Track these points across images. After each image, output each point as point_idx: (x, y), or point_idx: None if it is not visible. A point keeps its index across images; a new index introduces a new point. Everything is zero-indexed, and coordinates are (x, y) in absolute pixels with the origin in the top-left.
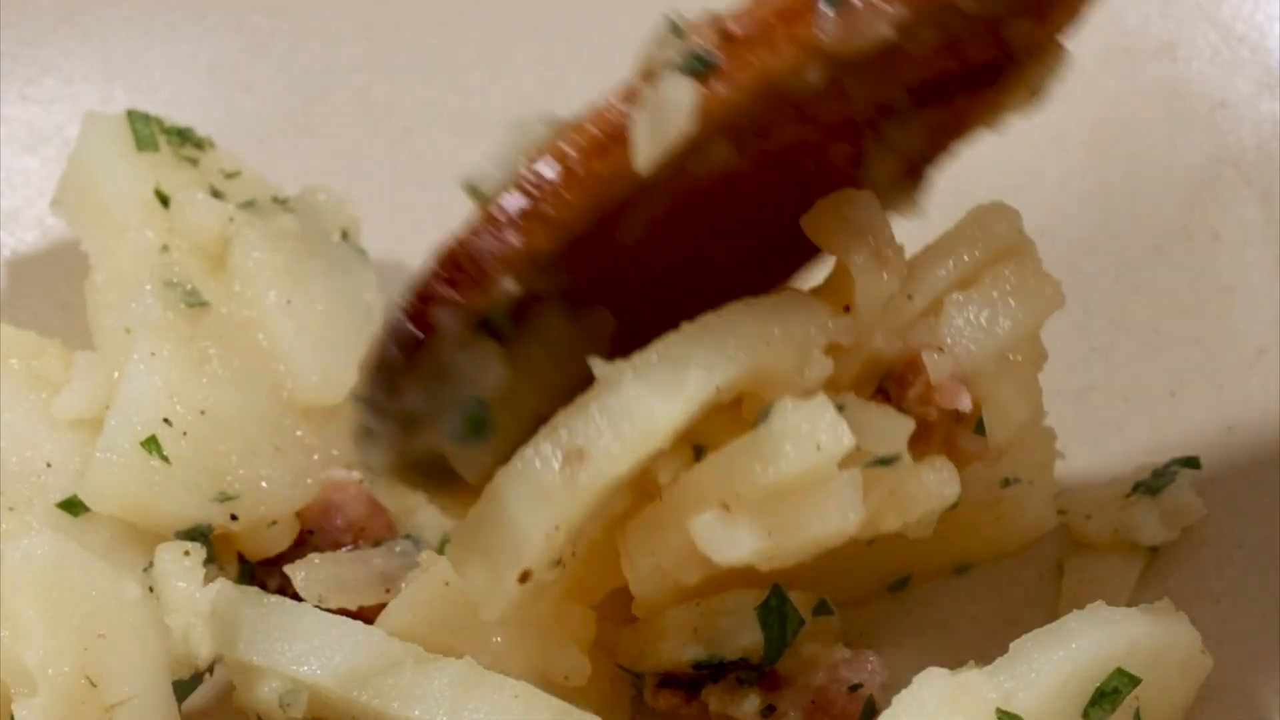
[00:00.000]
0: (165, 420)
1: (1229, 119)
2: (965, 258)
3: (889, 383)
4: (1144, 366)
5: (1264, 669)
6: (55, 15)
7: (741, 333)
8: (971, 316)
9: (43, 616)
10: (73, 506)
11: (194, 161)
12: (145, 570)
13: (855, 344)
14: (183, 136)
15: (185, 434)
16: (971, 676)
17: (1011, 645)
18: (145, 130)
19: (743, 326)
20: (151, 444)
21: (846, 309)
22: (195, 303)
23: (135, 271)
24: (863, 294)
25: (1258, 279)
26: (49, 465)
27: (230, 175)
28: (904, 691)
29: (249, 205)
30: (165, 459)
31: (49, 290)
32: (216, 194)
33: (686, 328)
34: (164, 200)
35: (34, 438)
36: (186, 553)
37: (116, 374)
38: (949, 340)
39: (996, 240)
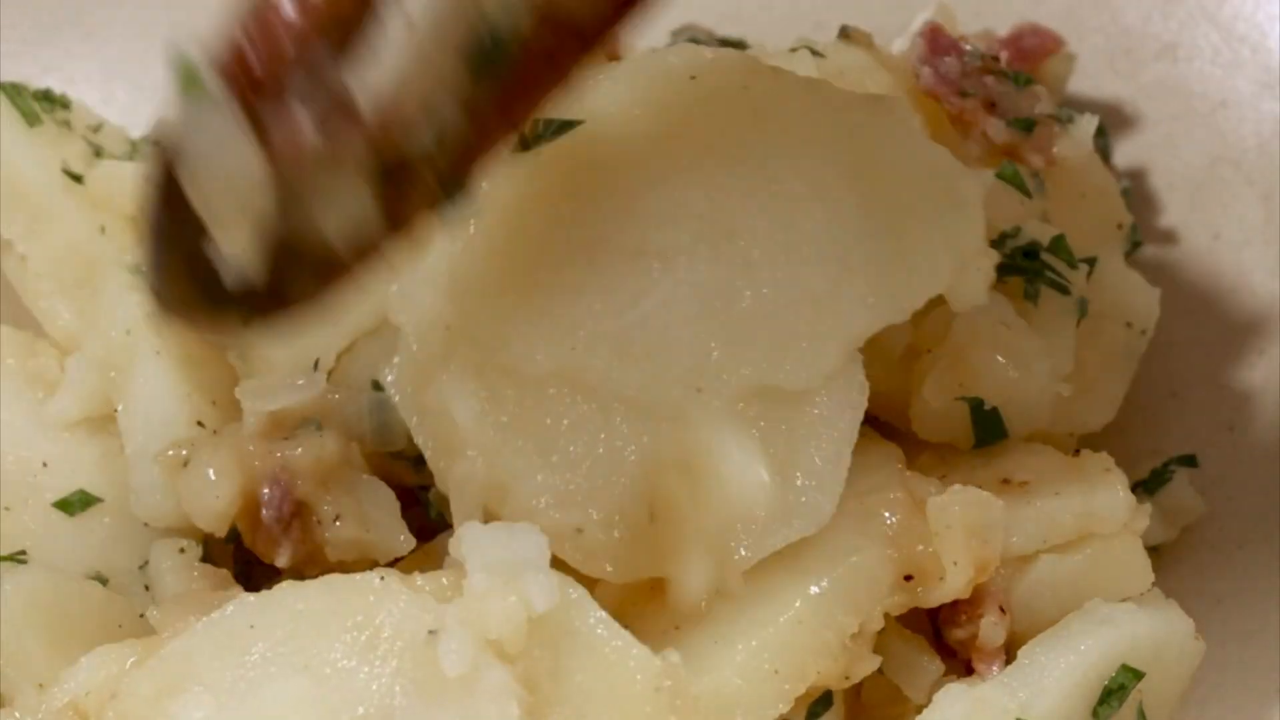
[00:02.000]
0: (199, 423)
1: (1230, 119)
2: (1069, 520)
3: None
4: (1144, 366)
5: (1264, 668)
6: (55, 15)
7: (796, 649)
8: (1050, 589)
9: (46, 649)
10: (69, 506)
11: (68, 124)
12: (141, 568)
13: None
14: (49, 100)
15: (215, 432)
16: (988, 689)
17: (1020, 652)
18: (27, 105)
19: (799, 639)
20: None
21: (909, 578)
22: None
23: (72, 256)
24: (944, 592)
25: (1258, 279)
26: (45, 465)
27: (95, 128)
28: (927, 711)
29: (134, 155)
30: None
31: None
32: (98, 152)
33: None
34: (76, 178)
35: (30, 437)
36: (181, 550)
37: (113, 373)
38: (1018, 595)
39: (1101, 521)
